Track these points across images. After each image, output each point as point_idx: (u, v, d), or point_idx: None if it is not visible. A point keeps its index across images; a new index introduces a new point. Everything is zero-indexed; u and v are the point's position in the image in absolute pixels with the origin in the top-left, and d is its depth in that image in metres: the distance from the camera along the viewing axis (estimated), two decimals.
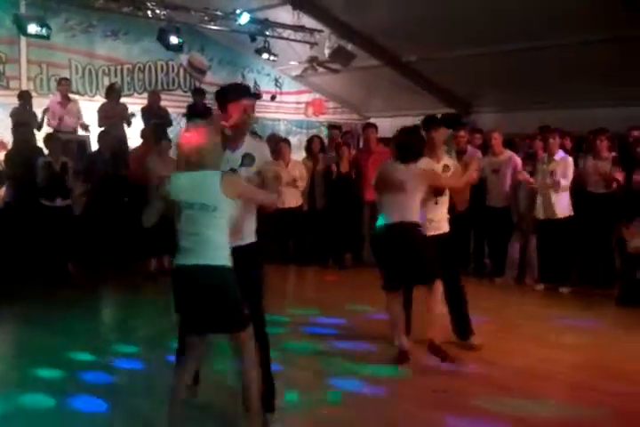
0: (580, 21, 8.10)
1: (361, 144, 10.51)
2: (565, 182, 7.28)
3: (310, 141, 9.54)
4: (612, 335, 5.75)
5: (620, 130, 8.21)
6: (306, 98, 13.23)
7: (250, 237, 3.74)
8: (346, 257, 8.97)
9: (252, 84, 12.43)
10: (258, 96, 10.18)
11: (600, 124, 7.89)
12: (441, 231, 5.09)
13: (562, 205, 7.34)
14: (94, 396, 4.16)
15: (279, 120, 12.89)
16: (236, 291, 3.37)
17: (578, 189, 7.64)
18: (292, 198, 8.83)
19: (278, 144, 9.05)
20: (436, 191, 5.02)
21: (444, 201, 5.13)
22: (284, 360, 4.52)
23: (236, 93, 3.75)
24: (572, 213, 7.38)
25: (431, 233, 4.97)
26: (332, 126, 10.72)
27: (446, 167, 5.15)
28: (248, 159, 3.68)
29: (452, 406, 4.09)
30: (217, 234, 3.38)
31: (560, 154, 7.38)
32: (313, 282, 8.54)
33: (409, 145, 4.87)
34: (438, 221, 5.08)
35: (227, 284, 3.36)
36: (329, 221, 8.93)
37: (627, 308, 6.60)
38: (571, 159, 7.40)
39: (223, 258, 3.39)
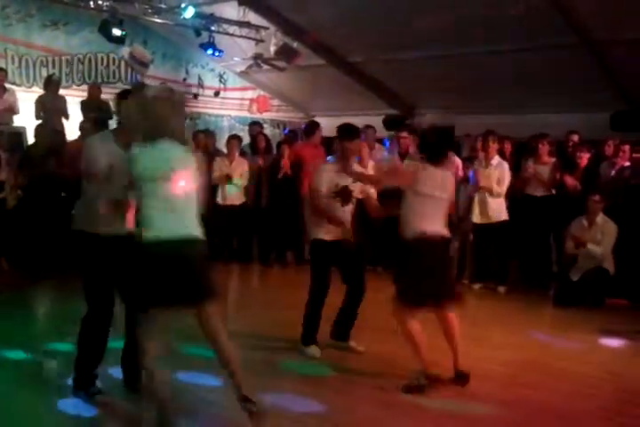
0: (516, 30, 8.25)
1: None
2: (500, 189, 7.37)
3: (255, 139, 9.45)
4: (547, 334, 5.88)
5: (560, 135, 8.42)
6: (250, 95, 13.11)
7: None
8: (288, 255, 8.93)
9: (195, 80, 12.27)
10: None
11: (541, 129, 8.06)
12: None
13: (497, 209, 7.44)
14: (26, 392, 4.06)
15: (223, 116, 12.76)
16: None
17: (518, 192, 7.79)
18: (235, 196, 8.73)
19: (229, 140, 8.99)
20: None
21: None
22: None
23: None
24: (507, 218, 7.48)
25: None
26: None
27: None
28: None
29: (384, 402, 4.14)
30: None
31: (496, 159, 7.48)
32: (255, 280, 8.44)
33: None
34: None
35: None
36: (272, 219, 8.86)
37: (562, 308, 6.76)
38: (507, 165, 7.49)
39: None
